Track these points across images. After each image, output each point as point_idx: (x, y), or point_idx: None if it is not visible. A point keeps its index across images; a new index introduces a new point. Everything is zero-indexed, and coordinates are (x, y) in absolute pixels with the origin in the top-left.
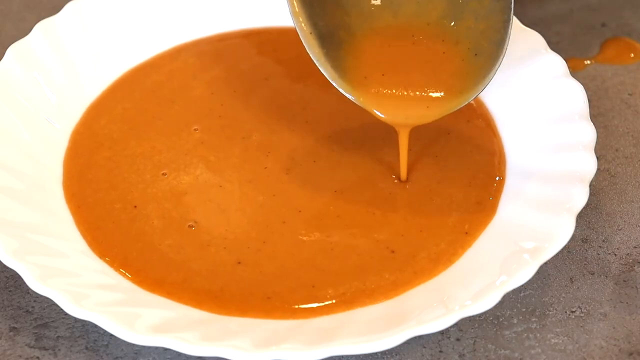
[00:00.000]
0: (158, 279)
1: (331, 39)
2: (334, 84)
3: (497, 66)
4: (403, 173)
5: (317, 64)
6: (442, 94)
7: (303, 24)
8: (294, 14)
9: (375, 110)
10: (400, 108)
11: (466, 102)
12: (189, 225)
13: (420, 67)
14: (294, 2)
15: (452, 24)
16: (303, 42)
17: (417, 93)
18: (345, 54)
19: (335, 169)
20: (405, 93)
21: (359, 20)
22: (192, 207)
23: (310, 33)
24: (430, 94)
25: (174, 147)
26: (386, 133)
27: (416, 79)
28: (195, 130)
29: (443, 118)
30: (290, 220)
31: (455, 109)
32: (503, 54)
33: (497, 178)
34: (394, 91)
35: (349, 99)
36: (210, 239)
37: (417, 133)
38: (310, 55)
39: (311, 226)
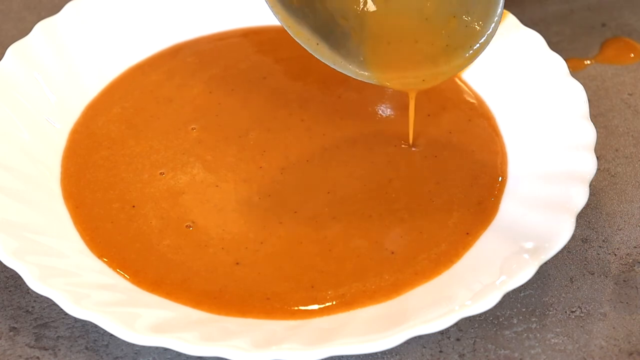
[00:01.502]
0: (157, 280)
1: (336, 36)
2: (358, 77)
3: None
4: (410, 137)
5: (337, 69)
6: (458, 45)
7: (309, 39)
8: (296, 34)
9: (398, 86)
10: (417, 72)
11: (486, 41)
12: (187, 226)
13: (429, 28)
14: (291, 26)
15: None
16: (315, 55)
17: (431, 53)
18: (356, 44)
19: (328, 169)
20: (419, 57)
21: (350, 3)
22: (189, 207)
23: (317, 44)
24: (447, 48)
25: (171, 147)
26: (380, 131)
27: (427, 39)
28: (192, 129)
29: (443, 118)
30: (287, 221)
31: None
32: None
33: (500, 179)
34: (409, 62)
35: (347, 94)
36: (208, 239)
37: (418, 132)
38: (327, 63)
39: (308, 227)
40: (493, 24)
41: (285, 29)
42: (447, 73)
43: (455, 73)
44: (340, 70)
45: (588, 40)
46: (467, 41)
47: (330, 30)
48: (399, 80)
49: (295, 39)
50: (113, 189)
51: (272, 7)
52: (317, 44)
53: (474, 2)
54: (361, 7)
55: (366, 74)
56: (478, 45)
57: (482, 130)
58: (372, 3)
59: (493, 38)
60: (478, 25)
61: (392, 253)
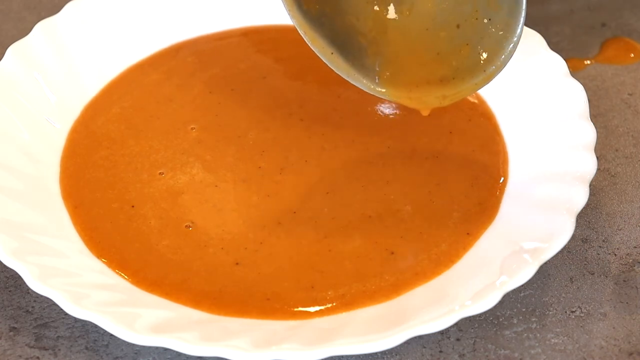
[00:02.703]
0: (156, 280)
1: (352, 49)
2: (370, 92)
3: (521, 20)
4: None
5: (350, 80)
6: (475, 64)
7: (324, 48)
8: (312, 41)
9: (409, 104)
10: (432, 92)
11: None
12: (186, 226)
13: (445, 48)
14: (307, 32)
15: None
16: (329, 64)
17: (444, 79)
18: (371, 59)
19: (327, 169)
20: (430, 82)
21: (368, 21)
22: (188, 208)
23: (332, 53)
24: (455, 79)
25: (171, 146)
26: (380, 131)
27: (441, 67)
28: (192, 129)
29: (444, 117)
30: (286, 221)
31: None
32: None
33: (501, 179)
34: (422, 84)
35: (347, 94)
36: (207, 239)
37: (418, 133)
38: (340, 74)
39: (308, 227)
40: (511, 47)
41: (301, 34)
42: (459, 95)
43: (469, 94)
44: (353, 83)
45: (588, 40)
46: (479, 67)
47: (347, 43)
48: (410, 99)
49: (310, 46)
50: (112, 188)
51: (289, 11)
52: (332, 53)
53: (490, 29)
54: (378, 32)
55: (379, 89)
56: (493, 68)
57: (482, 130)
58: (388, 29)
59: (508, 62)
60: (493, 50)
61: (392, 253)
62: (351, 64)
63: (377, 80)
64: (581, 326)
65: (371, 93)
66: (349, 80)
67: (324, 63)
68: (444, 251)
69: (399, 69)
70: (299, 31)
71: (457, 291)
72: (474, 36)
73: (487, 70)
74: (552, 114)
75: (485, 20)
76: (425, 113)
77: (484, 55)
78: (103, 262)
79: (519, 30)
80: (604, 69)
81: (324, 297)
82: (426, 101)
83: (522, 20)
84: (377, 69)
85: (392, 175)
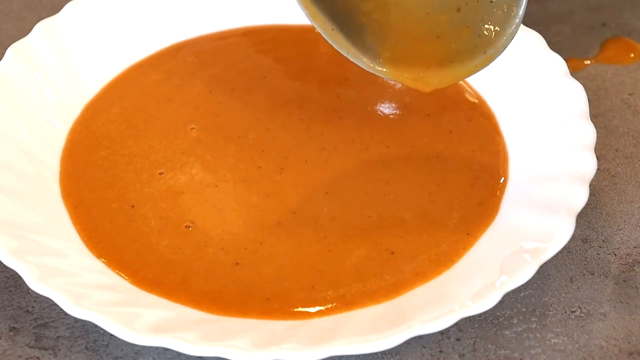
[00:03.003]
0: (156, 280)
1: (353, 27)
2: (370, 70)
3: (524, 2)
4: None
5: (350, 58)
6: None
7: (325, 23)
8: (312, 17)
9: (408, 83)
10: (432, 75)
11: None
12: (186, 226)
13: (445, 32)
14: (308, 6)
15: None
16: (329, 41)
17: (443, 60)
18: (372, 39)
19: (326, 169)
20: (431, 63)
21: (370, 2)
22: (188, 208)
23: (333, 29)
24: (455, 61)
25: (171, 146)
26: (379, 131)
27: (440, 49)
28: (192, 129)
29: (444, 117)
30: (286, 221)
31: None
32: None
33: (502, 180)
34: (425, 63)
35: (347, 94)
36: (207, 239)
37: (418, 133)
38: (340, 52)
39: (307, 227)
40: (512, 28)
41: (302, 9)
42: (458, 77)
43: (468, 76)
44: (353, 60)
45: (588, 40)
46: (479, 49)
47: (348, 21)
48: (410, 79)
49: (311, 22)
50: (112, 188)
51: None
52: (333, 29)
53: (492, 11)
54: (380, 13)
55: (379, 68)
56: (493, 50)
57: (482, 130)
58: (390, 11)
59: (509, 44)
60: (493, 32)
61: (392, 253)
62: (352, 41)
63: (377, 60)
64: (581, 326)
65: (371, 72)
66: (349, 58)
67: (324, 63)
68: (444, 251)
69: (399, 51)
70: (299, 6)
71: (457, 291)
72: (474, 19)
73: (487, 52)
74: (552, 114)
75: (489, 0)
76: (427, 90)
77: (485, 37)
78: (103, 262)
79: (521, 12)
80: (604, 69)
81: (324, 297)
82: (428, 82)
83: (524, 1)
84: (378, 48)
85: (392, 175)
